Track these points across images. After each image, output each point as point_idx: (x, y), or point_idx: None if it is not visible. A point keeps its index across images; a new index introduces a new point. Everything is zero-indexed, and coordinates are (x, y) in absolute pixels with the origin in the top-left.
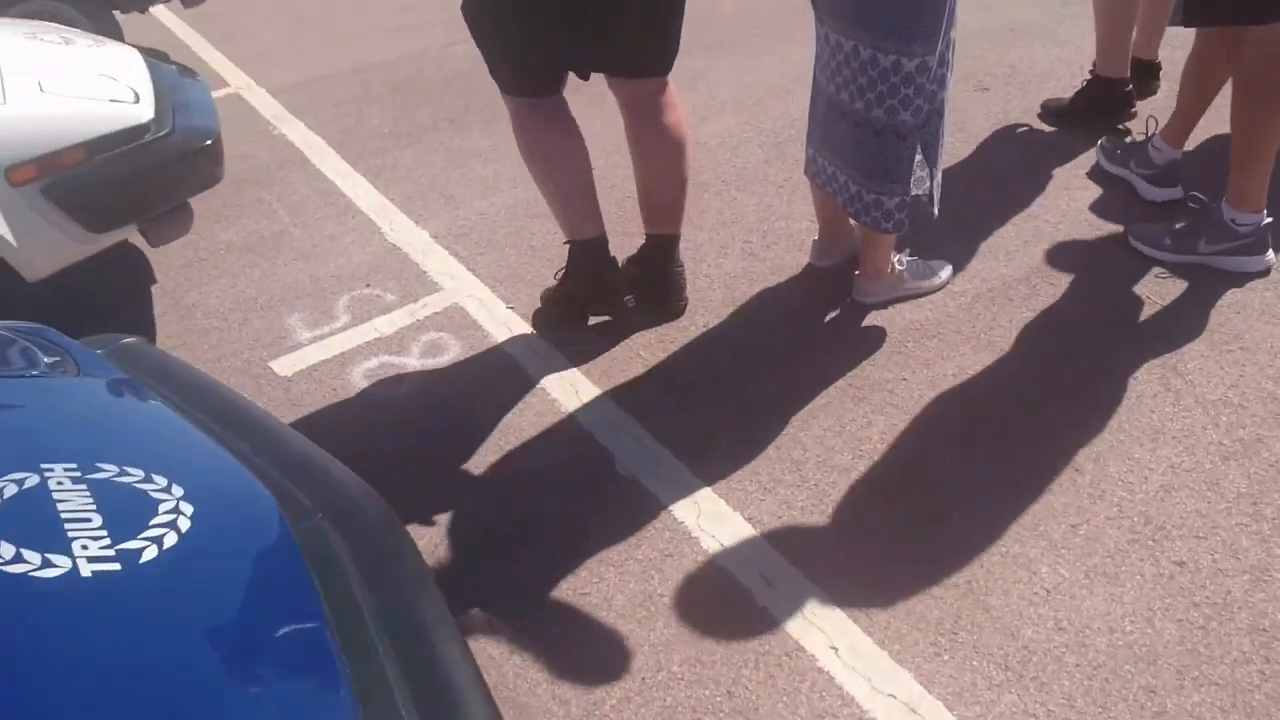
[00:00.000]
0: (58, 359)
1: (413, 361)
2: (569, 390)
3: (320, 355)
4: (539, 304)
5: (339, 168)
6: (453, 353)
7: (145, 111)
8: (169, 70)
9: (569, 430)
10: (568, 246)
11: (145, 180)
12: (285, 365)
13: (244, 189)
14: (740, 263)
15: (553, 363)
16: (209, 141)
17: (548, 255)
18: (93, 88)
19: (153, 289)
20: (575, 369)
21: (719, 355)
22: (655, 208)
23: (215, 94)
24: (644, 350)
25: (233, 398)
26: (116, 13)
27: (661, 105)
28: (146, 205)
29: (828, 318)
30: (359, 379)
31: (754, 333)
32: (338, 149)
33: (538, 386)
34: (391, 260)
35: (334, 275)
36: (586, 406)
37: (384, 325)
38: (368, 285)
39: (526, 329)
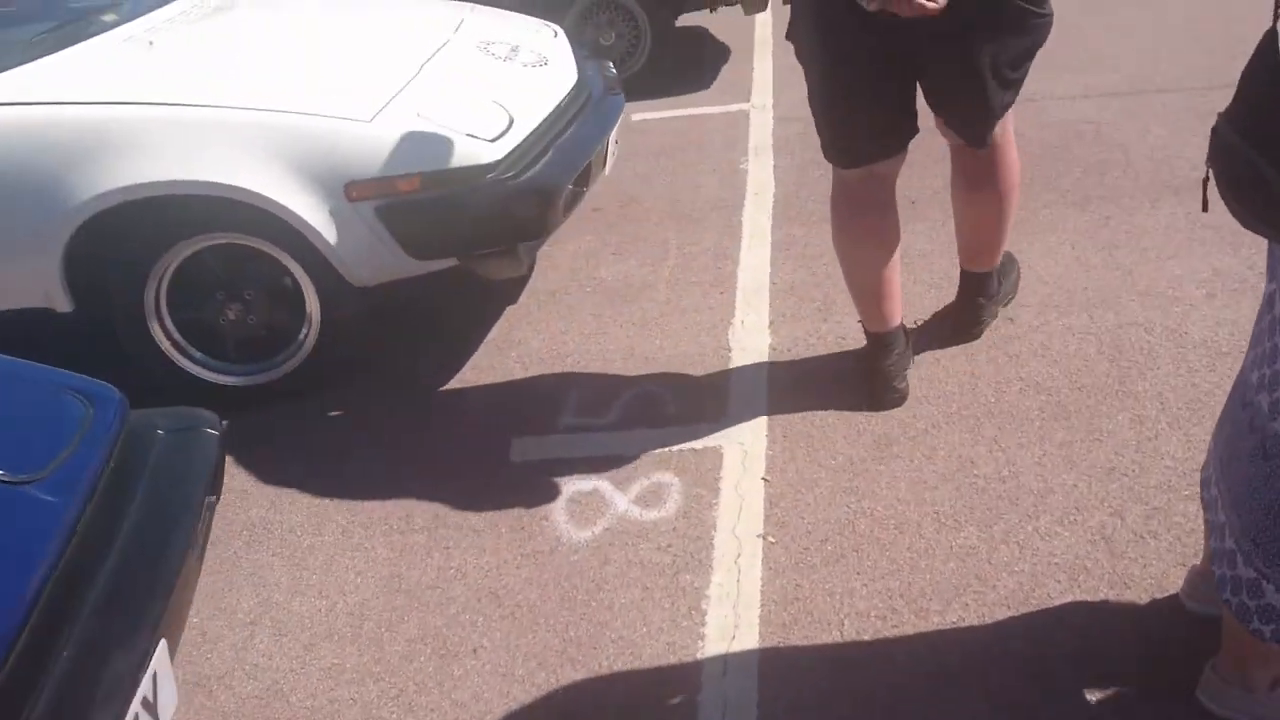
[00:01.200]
0: None
1: (620, 502)
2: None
3: (558, 451)
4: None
5: (758, 224)
6: (662, 512)
7: (495, 152)
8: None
9: None
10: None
11: (471, 220)
12: (524, 448)
13: (662, 225)
14: None
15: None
16: (550, 195)
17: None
18: (464, 119)
19: (508, 309)
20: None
21: None
22: (979, 248)
23: (722, 109)
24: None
25: None
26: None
27: (1000, 145)
28: (468, 244)
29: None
30: (561, 501)
31: None
32: (781, 201)
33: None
34: (708, 362)
35: (646, 357)
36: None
37: (630, 444)
38: (655, 385)
39: (756, 527)
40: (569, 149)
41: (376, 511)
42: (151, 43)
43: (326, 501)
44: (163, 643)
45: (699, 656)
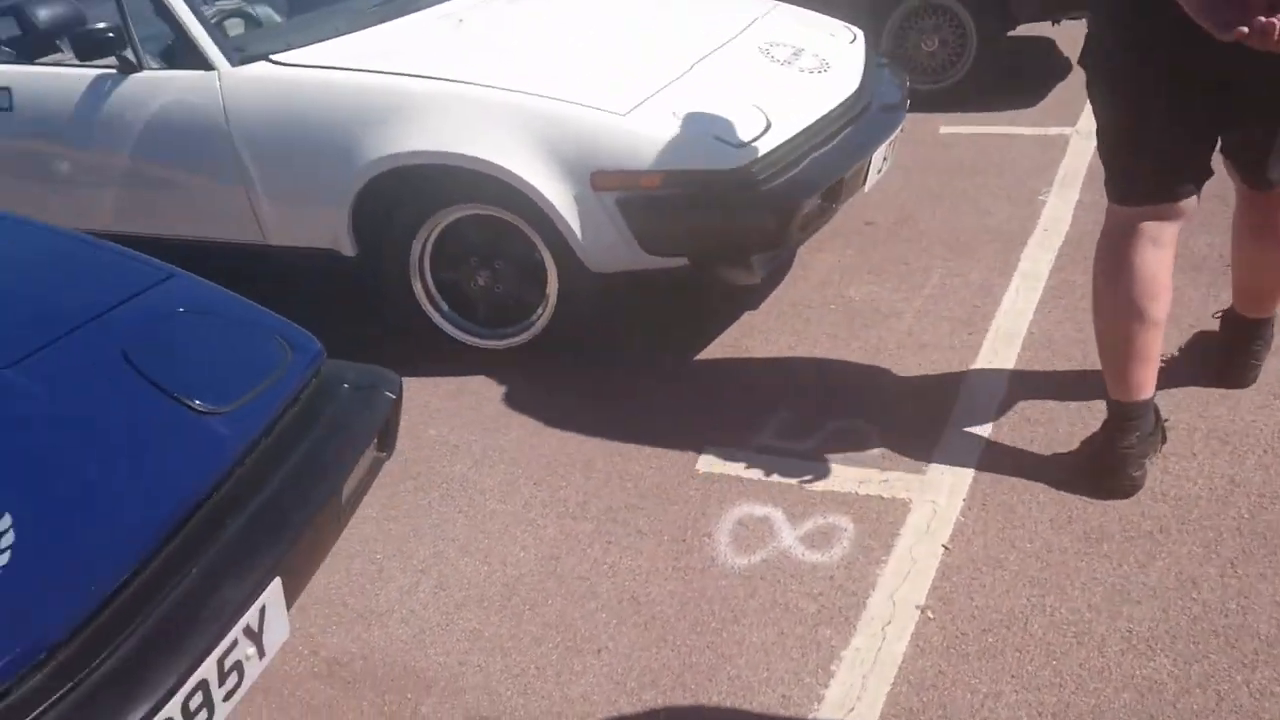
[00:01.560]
0: None
1: (787, 536)
2: None
3: (743, 470)
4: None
5: (1036, 264)
6: (825, 556)
7: (740, 158)
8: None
9: None
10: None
11: (703, 224)
12: (712, 460)
13: (931, 250)
14: None
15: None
16: (787, 210)
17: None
18: (717, 121)
19: (746, 314)
20: None
21: None
22: (1260, 293)
23: (1040, 131)
24: None
25: None
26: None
27: None
28: (700, 247)
29: None
30: (728, 521)
31: None
32: (1070, 242)
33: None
34: (929, 406)
35: (866, 388)
36: None
37: (817, 478)
38: (865, 420)
39: (918, 597)
40: (823, 162)
41: (559, 492)
42: (461, 20)
43: (519, 471)
44: (278, 580)
45: (809, 719)
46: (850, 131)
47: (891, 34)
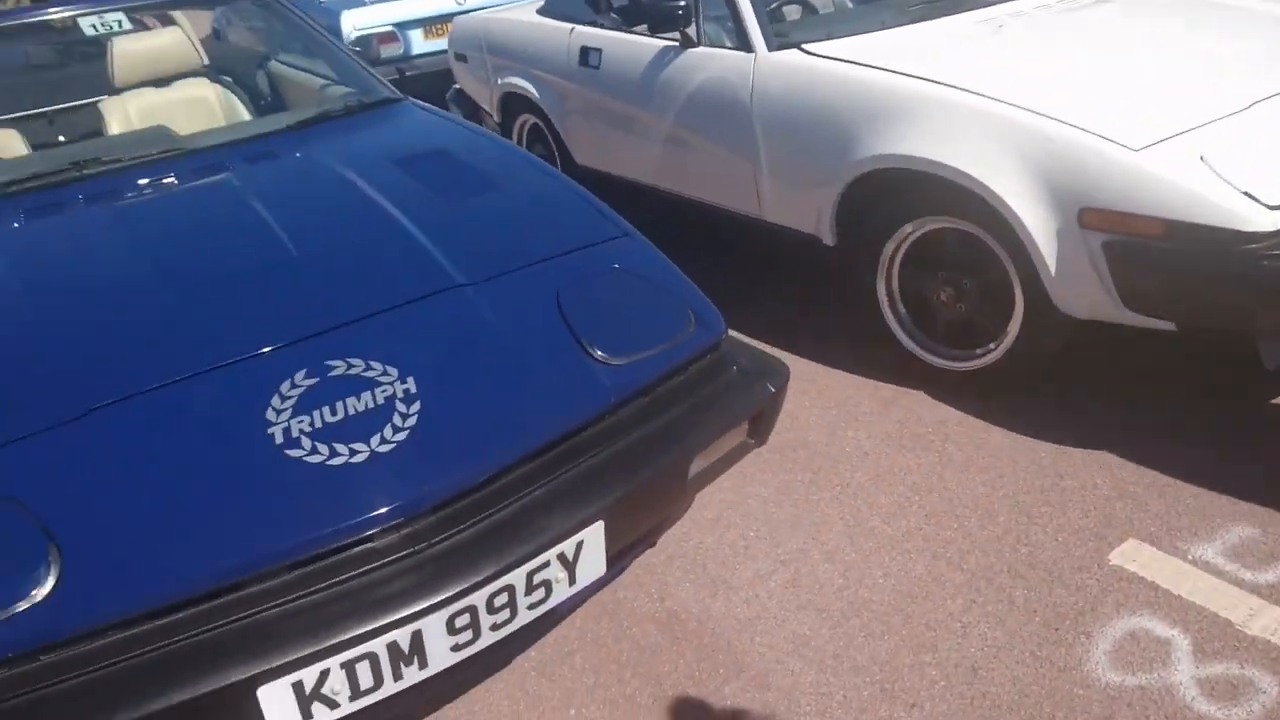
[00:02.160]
0: None
1: (1183, 672)
2: None
3: (1164, 577)
4: None
5: None
6: (1219, 710)
7: (1270, 221)
8: None
9: None
10: None
11: (1203, 288)
12: (1132, 553)
13: None
14: None
15: None
16: None
17: None
18: (1254, 174)
19: None
20: None
21: None
22: None
23: None
24: None
25: None
26: None
27: None
28: (1193, 314)
29: None
30: (1118, 628)
31: None
32: None
33: None
34: None
35: None
36: None
37: (1254, 619)
38: None
39: None
40: None
41: (945, 532)
42: (1001, 26)
43: (916, 499)
44: (600, 524)
45: None
46: None
47: None
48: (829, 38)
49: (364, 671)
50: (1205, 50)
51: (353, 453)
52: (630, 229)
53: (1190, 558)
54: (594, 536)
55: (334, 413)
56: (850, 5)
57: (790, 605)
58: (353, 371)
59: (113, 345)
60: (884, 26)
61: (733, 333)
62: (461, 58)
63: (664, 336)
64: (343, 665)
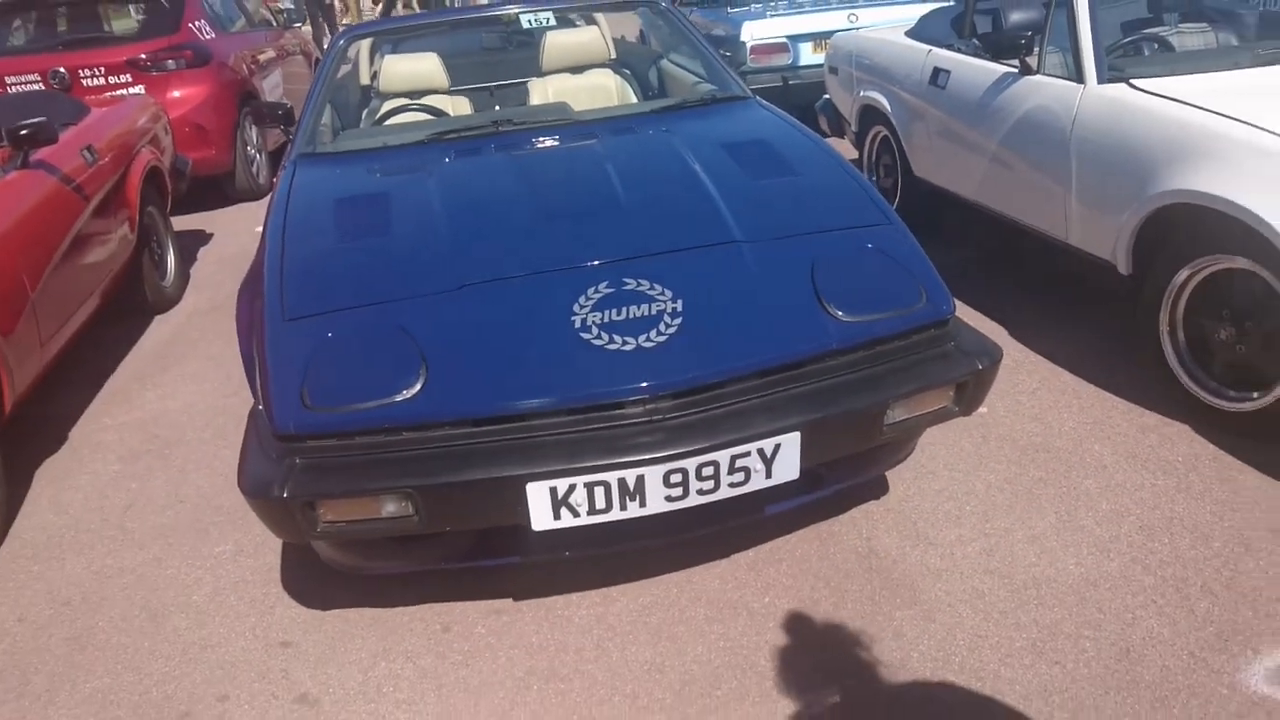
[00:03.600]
0: None
1: None
2: None
3: None
4: None
5: None
6: None
7: None
8: None
9: None
10: None
11: None
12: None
13: None
14: None
15: None
16: None
17: None
18: None
19: None
20: None
21: None
22: None
23: None
24: None
25: None
26: None
27: None
28: None
29: None
30: None
31: None
32: None
33: None
34: None
35: None
36: None
37: None
38: None
39: None
40: None
41: (1150, 545)
42: None
43: (1135, 513)
44: (797, 434)
45: None
46: None
47: None
48: (1174, 74)
49: (599, 494)
50: None
51: (624, 343)
52: (893, 217)
53: None
54: (790, 443)
55: (619, 314)
56: (1218, 43)
57: (979, 568)
58: (640, 288)
59: (486, 244)
60: (1230, 67)
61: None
62: (834, 70)
63: (894, 306)
64: (585, 485)
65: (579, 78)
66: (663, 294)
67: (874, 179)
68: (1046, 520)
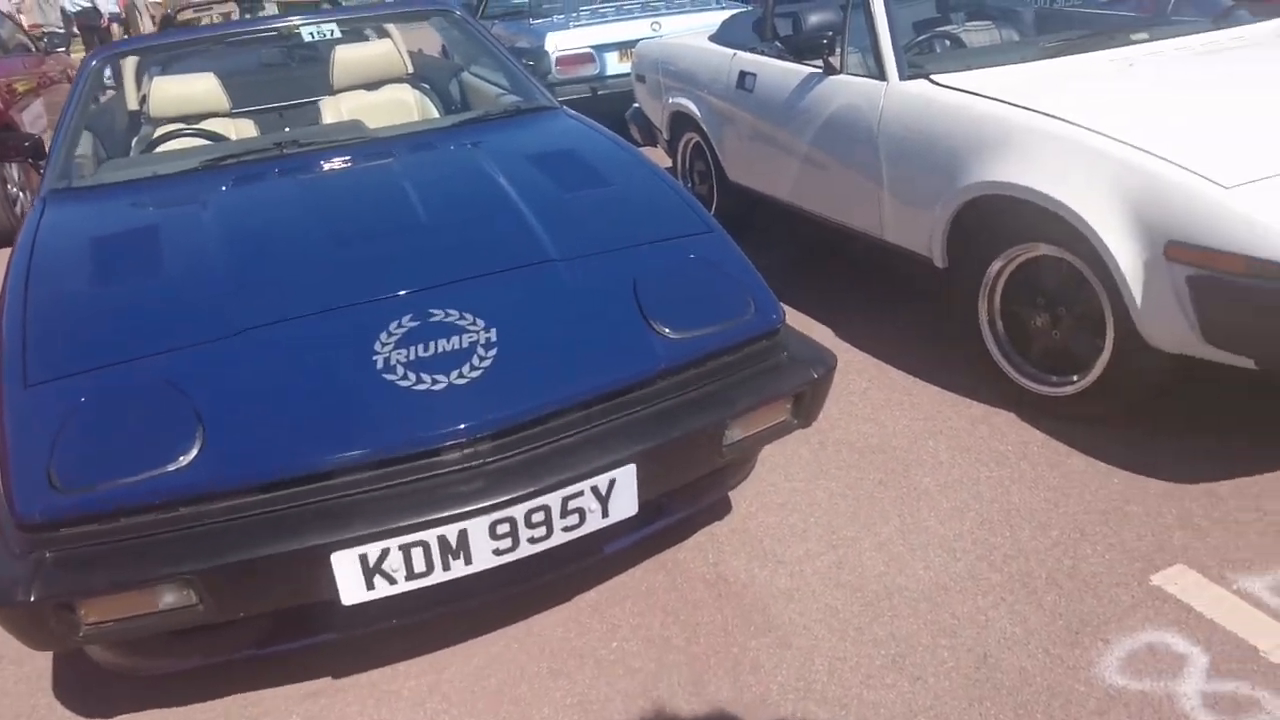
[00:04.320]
0: None
1: (1189, 682)
2: None
3: (1199, 601)
4: None
5: None
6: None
7: None
8: None
9: None
10: None
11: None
12: (1174, 579)
13: None
14: None
15: None
16: None
17: None
18: None
19: None
20: None
21: None
22: None
23: None
24: None
25: None
26: None
27: None
28: (1270, 353)
29: None
30: (1133, 639)
31: None
32: None
33: None
34: None
35: None
36: None
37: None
38: None
39: None
40: None
41: (995, 538)
42: (1131, 65)
43: (976, 507)
44: (633, 466)
45: None
46: None
47: None
48: (968, 69)
49: (417, 556)
50: None
51: (434, 382)
52: (713, 225)
53: (1235, 588)
54: (626, 477)
55: (427, 349)
56: (1002, 39)
57: (830, 583)
58: (449, 319)
59: (270, 281)
60: (1021, 60)
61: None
62: (641, 79)
63: (722, 319)
64: (400, 547)
65: (375, 94)
66: (474, 324)
67: (690, 186)
68: (891, 525)
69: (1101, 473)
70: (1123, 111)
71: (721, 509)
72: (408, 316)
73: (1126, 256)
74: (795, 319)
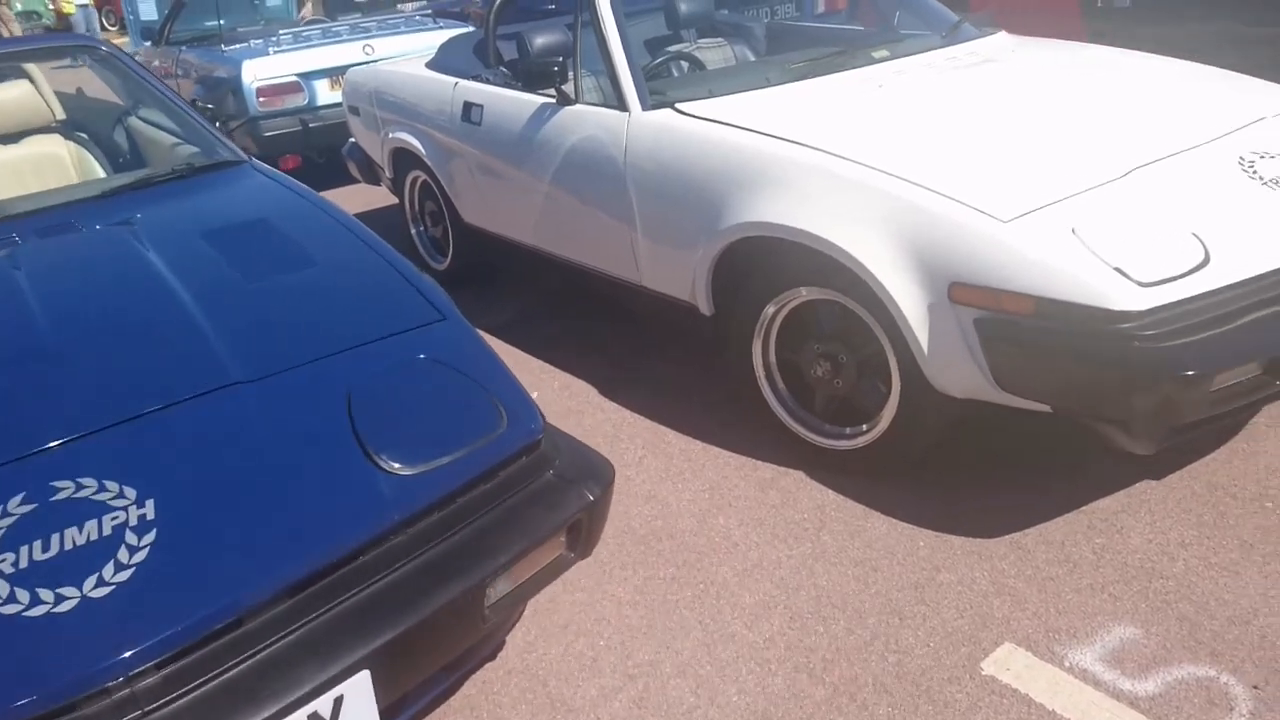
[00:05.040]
0: None
1: None
2: None
3: (1040, 689)
4: None
5: None
6: None
7: (1140, 300)
8: None
9: None
10: None
11: (1071, 370)
12: (1007, 661)
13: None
14: None
15: None
16: (1188, 380)
17: None
18: (1126, 247)
19: (1142, 484)
20: None
21: None
22: None
23: None
24: None
25: None
26: None
27: None
28: (1064, 397)
29: None
30: None
31: None
32: None
33: None
34: None
35: (1268, 634)
36: None
37: None
38: (1237, 677)
39: None
40: (1273, 326)
41: (810, 637)
42: (880, 86)
43: (783, 599)
44: (366, 674)
45: None
46: None
47: None
48: (709, 95)
49: None
50: (1087, 112)
51: (59, 599)
52: (449, 311)
53: (1067, 664)
54: (358, 689)
55: (46, 548)
56: (739, 61)
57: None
58: (81, 495)
59: None
60: (767, 84)
61: (599, 407)
62: (355, 111)
63: (468, 439)
64: None
65: (16, 148)
66: (119, 497)
67: (422, 229)
68: (693, 637)
69: (905, 536)
70: (887, 140)
71: (494, 644)
72: (17, 499)
73: (909, 300)
74: (553, 377)
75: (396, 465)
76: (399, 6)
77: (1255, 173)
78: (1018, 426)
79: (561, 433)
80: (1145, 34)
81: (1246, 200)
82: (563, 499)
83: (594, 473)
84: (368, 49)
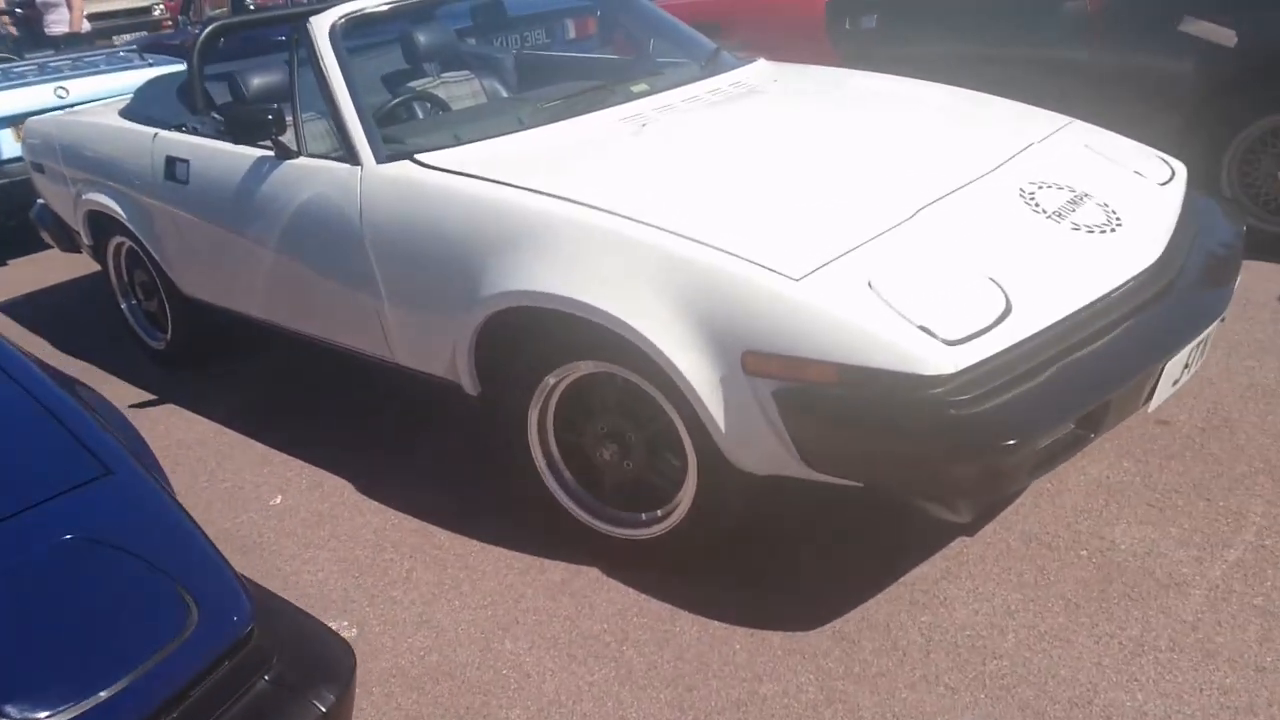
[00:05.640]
0: None
1: None
2: None
3: None
4: None
5: None
6: None
7: (949, 360)
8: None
9: None
10: None
11: (885, 444)
12: None
13: (1253, 479)
14: None
15: None
16: (1006, 449)
17: None
18: (927, 300)
19: (959, 541)
20: None
21: None
22: None
23: None
24: None
25: None
26: None
27: None
28: (877, 471)
29: None
30: None
31: None
32: None
33: None
34: None
35: (1082, 706)
36: None
37: None
38: None
39: None
40: (1085, 371)
41: None
42: (644, 125)
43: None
44: None
45: None
46: (1136, 325)
47: (1236, 163)
48: (455, 142)
49: None
50: (862, 148)
51: None
52: (118, 463)
53: None
54: None
55: None
56: (489, 96)
57: None
58: None
59: None
60: (520, 127)
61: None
62: (39, 168)
63: (136, 656)
64: None
65: None
66: None
67: (135, 303)
68: None
69: (719, 640)
70: (658, 189)
71: None
72: None
73: (698, 374)
74: (300, 474)
75: (41, 715)
76: (114, 39)
77: (1038, 205)
78: (819, 493)
79: (284, 607)
80: (889, 55)
81: (1035, 237)
82: (284, 716)
83: (327, 669)
84: (61, 91)
